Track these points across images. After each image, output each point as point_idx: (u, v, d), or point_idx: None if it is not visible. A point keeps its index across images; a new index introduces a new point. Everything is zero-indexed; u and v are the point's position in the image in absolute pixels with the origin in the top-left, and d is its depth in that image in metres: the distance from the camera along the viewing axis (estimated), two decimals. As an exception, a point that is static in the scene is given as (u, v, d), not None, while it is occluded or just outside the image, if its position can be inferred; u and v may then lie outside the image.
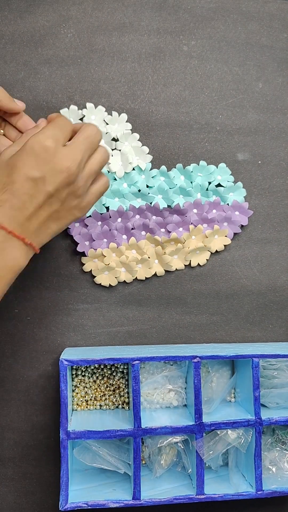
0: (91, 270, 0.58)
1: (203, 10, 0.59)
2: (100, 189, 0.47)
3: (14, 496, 0.56)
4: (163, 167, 0.58)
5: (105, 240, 0.57)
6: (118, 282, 0.58)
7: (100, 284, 0.58)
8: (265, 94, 0.60)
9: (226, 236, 0.59)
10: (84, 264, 0.57)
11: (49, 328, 0.57)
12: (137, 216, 0.58)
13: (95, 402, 0.56)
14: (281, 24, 0.60)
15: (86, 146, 0.44)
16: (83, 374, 0.56)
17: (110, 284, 0.58)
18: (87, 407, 0.56)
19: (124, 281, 0.58)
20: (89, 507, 0.49)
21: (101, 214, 0.57)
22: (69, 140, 0.45)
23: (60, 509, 0.48)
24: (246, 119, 0.59)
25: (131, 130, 0.58)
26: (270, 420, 0.52)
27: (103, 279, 0.57)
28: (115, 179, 0.57)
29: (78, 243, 0.57)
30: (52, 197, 0.42)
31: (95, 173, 0.46)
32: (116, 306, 0.58)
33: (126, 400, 0.56)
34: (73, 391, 0.56)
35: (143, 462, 0.56)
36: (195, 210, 0.58)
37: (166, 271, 0.59)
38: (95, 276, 0.57)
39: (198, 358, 0.51)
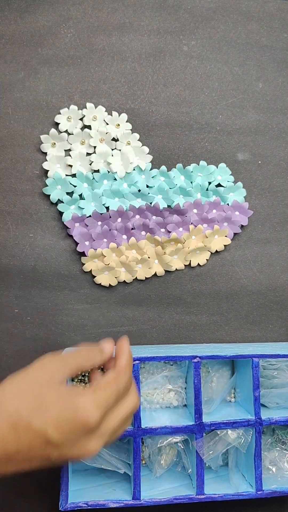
0: (91, 270, 0.57)
1: (203, 10, 0.59)
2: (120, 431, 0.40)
3: (14, 496, 0.56)
4: (163, 167, 0.58)
5: (105, 240, 0.57)
6: (118, 282, 0.58)
7: (100, 284, 0.58)
8: (265, 94, 0.60)
9: (226, 236, 0.59)
10: (84, 264, 0.57)
11: (49, 328, 0.57)
12: (137, 216, 0.58)
13: None
14: (281, 24, 0.60)
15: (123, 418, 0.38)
16: (83, 373, 0.56)
17: (110, 284, 0.58)
18: None
19: (124, 281, 0.58)
20: (89, 507, 0.49)
21: (101, 214, 0.57)
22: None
23: (60, 509, 0.48)
24: (246, 119, 0.59)
25: (131, 130, 0.58)
26: (270, 420, 0.52)
27: (103, 279, 0.57)
28: (115, 179, 0.57)
29: (78, 243, 0.57)
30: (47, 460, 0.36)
31: (122, 430, 0.40)
32: (116, 306, 0.58)
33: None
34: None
35: (143, 462, 0.56)
36: (195, 210, 0.58)
37: (166, 271, 0.59)
38: (95, 276, 0.57)
39: (198, 358, 0.51)
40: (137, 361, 0.50)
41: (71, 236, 0.57)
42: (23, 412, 0.35)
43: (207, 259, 0.59)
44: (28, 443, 0.34)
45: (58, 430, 0.35)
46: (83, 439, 0.36)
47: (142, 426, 0.50)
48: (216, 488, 0.52)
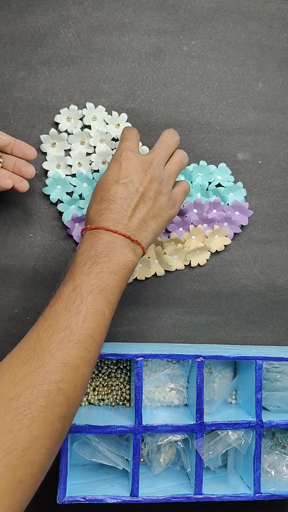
0: (91, 270, 0.57)
1: (203, 10, 0.59)
2: (182, 189, 0.52)
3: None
4: (163, 167, 0.58)
5: (105, 240, 0.57)
6: (118, 282, 0.58)
7: (100, 284, 0.58)
8: (265, 94, 0.60)
9: (226, 236, 0.59)
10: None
11: (49, 328, 0.57)
12: (137, 216, 0.57)
13: (96, 397, 0.56)
14: (281, 24, 0.60)
15: (163, 149, 0.50)
16: None
17: (110, 284, 0.58)
18: (88, 403, 0.56)
19: (124, 281, 0.58)
20: (86, 502, 0.49)
21: (101, 214, 0.57)
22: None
23: (57, 502, 0.48)
24: (246, 119, 0.59)
25: (131, 130, 0.58)
26: (271, 423, 0.52)
27: (103, 279, 0.57)
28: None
29: (78, 243, 0.57)
30: (144, 195, 0.48)
31: (175, 173, 0.51)
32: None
33: (127, 397, 0.56)
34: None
35: (142, 459, 0.56)
36: (195, 210, 0.58)
37: (166, 271, 0.59)
38: (95, 276, 0.57)
39: (201, 357, 0.51)
40: (140, 358, 0.50)
41: (71, 236, 0.57)
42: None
43: (207, 259, 0.59)
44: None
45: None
46: (160, 195, 0.49)
47: (143, 423, 0.50)
48: (214, 488, 0.52)
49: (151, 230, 0.49)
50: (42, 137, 0.56)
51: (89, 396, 0.56)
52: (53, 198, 0.56)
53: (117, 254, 0.45)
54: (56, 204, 0.57)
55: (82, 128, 0.57)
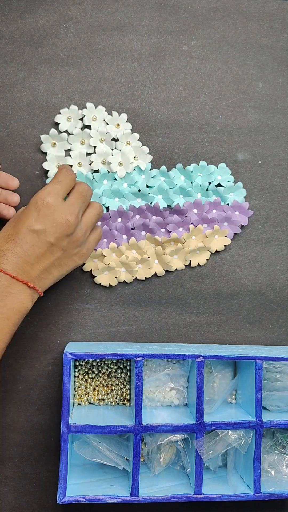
0: (91, 270, 0.58)
1: (203, 10, 0.59)
2: (97, 237, 0.53)
3: (14, 496, 0.56)
4: (163, 167, 0.58)
5: (105, 240, 0.57)
6: (118, 282, 0.58)
7: (100, 284, 0.58)
8: (265, 94, 0.60)
9: (226, 236, 0.59)
10: (84, 264, 0.57)
11: (49, 328, 0.57)
12: (137, 216, 0.58)
13: (96, 397, 0.56)
14: (281, 24, 0.60)
15: (81, 201, 0.49)
16: (84, 370, 0.56)
17: (110, 284, 0.58)
18: (88, 403, 0.56)
19: (124, 281, 0.58)
20: (87, 501, 0.49)
21: (101, 214, 0.57)
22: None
23: (57, 502, 0.48)
24: (246, 119, 0.59)
25: (131, 130, 0.58)
26: (271, 423, 0.52)
27: (103, 279, 0.57)
28: (115, 179, 0.57)
29: None
30: (53, 246, 0.47)
31: (92, 224, 0.51)
32: (116, 306, 0.58)
33: (127, 397, 0.56)
34: (74, 386, 0.56)
35: (142, 459, 0.56)
36: (195, 210, 0.58)
37: (166, 271, 0.59)
38: (95, 276, 0.57)
39: (201, 357, 0.51)
40: (140, 358, 0.50)
41: (71, 236, 0.57)
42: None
43: (207, 259, 0.59)
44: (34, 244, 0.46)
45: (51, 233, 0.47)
46: (72, 245, 0.49)
47: (143, 423, 0.50)
48: (214, 488, 0.52)
49: (52, 277, 0.49)
50: (42, 137, 0.56)
51: (89, 396, 0.56)
52: (53, 198, 0.56)
53: (13, 300, 0.45)
54: (56, 204, 0.57)
55: (82, 128, 0.57)
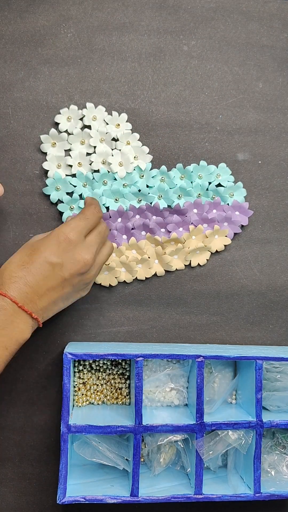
0: (91, 270, 0.57)
1: (203, 10, 0.59)
2: (99, 271, 0.53)
3: (14, 496, 0.56)
4: (163, 167, 0.58)
5: (105, 240, 0.57)
6: (118, 282, 0.58)
7: (100, 284, 0.58)
8: (265, 94, 0.60)
9: (226, 236, 0.59)
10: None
11: (49, 328, 0.57)
12: (137, 216, 0.57)
13: (96, 398, 0.56)
14: (281, 24, 0.60)
15: (100, 241, 0.50)
16: (84, 370, 0.56)
17: (110, 284, 0.58)
18: (88, 403, 0.56)
19: (124, 281, 0.58)
20: (87, 502, 0.49)
21: (101, 214, 0.57)
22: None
23: (57, 502, 0.48)
24: (246, 119, 0.59)
25: (131, 130, 0.58)
26: (271, 423, 0.52)
27: (103, 279, 0.57)
28: (115, 179, 0.57)
29: None
30: (65, 281, 0.47)
31: (103, 264, 0.52)
32: (116, 306, 0.58)
33: (127, 397, 0.56)
34: (74, 386, 0.56)
35: (142, 459, 0.56)
36: (195, 210, 0.58)
37: (166, 271, 0.59)
38: (95, 276, 0.57)
39: (202, 357, 0.51)
40: (140, 358, 0.50)
41: (71, 236, 0.57)
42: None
43: (207, 259, 0.59)
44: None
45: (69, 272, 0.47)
46: (82, 282, 0.49)
47: (143, 423, 0.50)
48: (214, 488, 0.52)
49: (58, 309, 0.49)
50: (42, 137, 0.56)
51: (89, 396, 0.56)
52: (53, 198, 0.56)
53: (15, 329, 0.45)
54: (56, 204, 0.57)
55: (82, 128, 0.57)
